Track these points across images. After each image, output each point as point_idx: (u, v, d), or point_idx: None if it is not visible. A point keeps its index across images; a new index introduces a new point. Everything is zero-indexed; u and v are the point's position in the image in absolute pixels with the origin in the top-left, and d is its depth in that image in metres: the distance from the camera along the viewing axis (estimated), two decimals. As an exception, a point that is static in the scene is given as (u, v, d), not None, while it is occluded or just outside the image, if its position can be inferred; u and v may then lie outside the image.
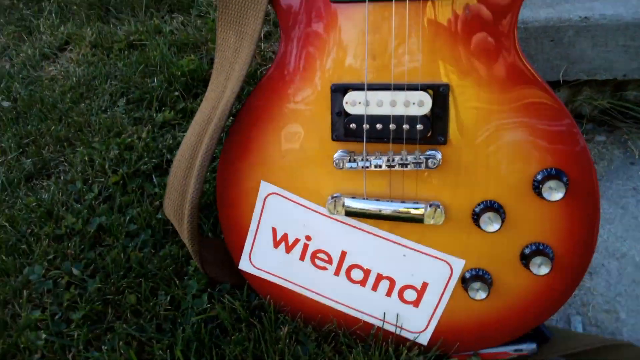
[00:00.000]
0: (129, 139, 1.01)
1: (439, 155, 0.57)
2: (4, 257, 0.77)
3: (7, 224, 0.84)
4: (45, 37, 1.43)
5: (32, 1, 1.66)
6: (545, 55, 0.94)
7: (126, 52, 1.29)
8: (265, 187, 0.66)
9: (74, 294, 0.72)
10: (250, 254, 0.69)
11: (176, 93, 1.12)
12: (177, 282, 0.71)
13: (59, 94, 1.17)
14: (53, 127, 1.06)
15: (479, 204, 0.58)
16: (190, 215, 0.64)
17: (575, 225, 0.57)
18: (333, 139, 0.60)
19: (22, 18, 1.59)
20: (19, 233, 0.83)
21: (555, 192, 0.54)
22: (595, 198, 0.56)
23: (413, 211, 0.59)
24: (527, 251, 0.58)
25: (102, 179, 0.92)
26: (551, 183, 0.54)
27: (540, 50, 0.93)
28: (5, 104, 1.17)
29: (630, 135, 1.05)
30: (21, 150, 1.04)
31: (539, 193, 0.55)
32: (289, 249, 0.67)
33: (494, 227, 0.57)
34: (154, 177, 0.93)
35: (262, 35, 1.27)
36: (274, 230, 0.67)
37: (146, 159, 0.94)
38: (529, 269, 0.58)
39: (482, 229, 0.57)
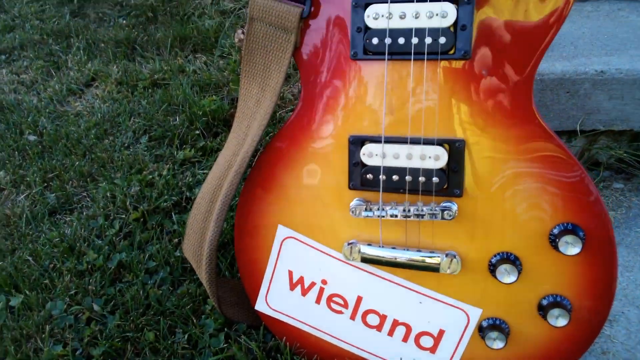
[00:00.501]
0: (150, 176, 1.04)
1: (455, 207, 0.58)
2: (27, 292, 0.79)
3: (30, 258, 0.86)
4: (73, 73, 1.49)
5: (61, 37, 1.73)
6: (562, 106, 0.95)
7: (150, 90, 1.34)
8: (282, 231, 0.67)
9: (95, 329, 0.73)
10: (266, 295, 0.70)
11: (197, 132, 1.15)
12: (195, 320, 0.72)
13: (84, 129, 1.21)
14: (77, 163, 1.10)
15: (495, 255, 0.59)
16: (209, 257, 0.65)
17: (593, 278, 0.57)
18: (350, 188, 0.61)
19: (50, 53, 1.65)
20: (42, 267, 0.85)
21: (572, 247, 0.55)
22: (612, 250, 0.56)
23: (429, 260, 0.60)
24: (544, 302, 0.58)
25: (123, 215, 0.95)
26: (568, 238, 0.55)
27: (556, 102, 0.95)
28: (32, 137, 1.22)
29: (647, 182, 1.05)
30: (45, 184, 1.07)
31: (555, 247, 0.56)
32: (304, 292, 0.68)
33: (511, 278, 0.58)
34: (173, 214, 0.95)
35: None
36: (290, 273, 0.68)
37: (166, 196, 0.97)
38: (546, 320, 0.58)
39: (498, 280, 0.58)
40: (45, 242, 0.90)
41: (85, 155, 1.14)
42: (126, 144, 1.15)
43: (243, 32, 1.68)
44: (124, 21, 1.73)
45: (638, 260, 0.89)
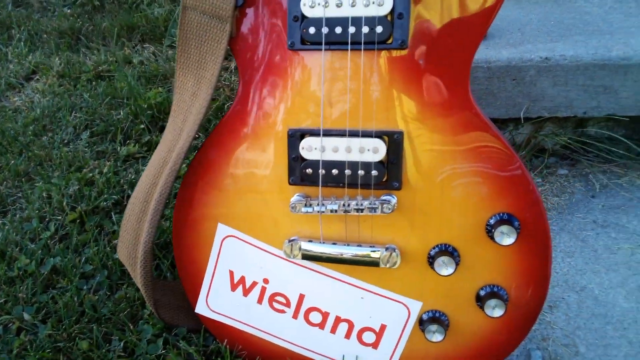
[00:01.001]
0: (90, 174, 0.99)
1: (393, 200, 0.57)
2: (-49, 301, 0.74)
3: (-44, 265, 0.81)
4: (12, 66, 1.41)
5: (2, 28, 1.64)
6: (508, 93, 0.95)
7: (94, 83, 1.28)
8: (222, 230, 0.65)
9: (25, 340, 0.69)
10: (207, 297, 0.68)
11: (142, 126, 1.11)
12: (132, 326, 0.69)
13: (21, 125, 1.15)
14: (12, 161, 1.04)
15: (434, 247, 0.58)
16: (143, 260, 0.62)
17: (528, 267, 0.57)
18: (290, 183, 0.59)
19: (-11, 46, 1.56)
20: (-32, 274, 0.80)
21: (507, 237, 0.55)
22: (547, 240, 0.56)
23: (369, 254, 0.58)
24: (482, 293, 0.58)
25: (60, 217, 0.90)
26: (503, 228, 0.54)
27: (503, 89, 0.95)
28: (-35, 135, 1.15)
29: (592, 169, 1.07)
30: (-22, 185, 1.01)
31: (491, 237, 0.55)
32: (246, 292, 0.66)
33: (448, 270, 0.57)
34: (113, 214, 0.91)
35: (232, 69, 1.27)
36: (231, 273, 0.66)
37: (106, 195, 0.92)
38: (483, 310, 0.58)
39: (437, 272, 0.57)
40: (-26, 247, 0.84)
41: (21, 153, 1.08)
42: (66, 141, 1.10)
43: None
44: (69, 10, 1.65)
45: (579, 246, 0.91)
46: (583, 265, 0.88)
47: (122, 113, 1.14)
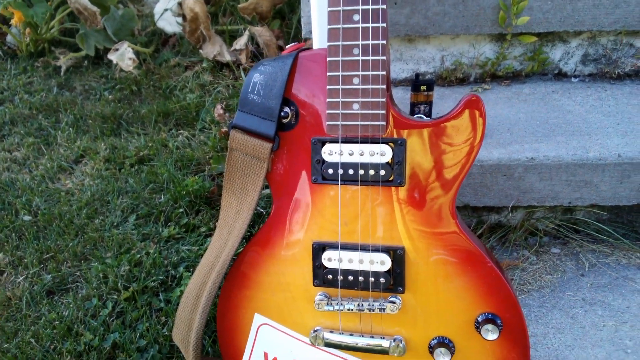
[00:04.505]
0: (138, 255, 1.14)
1: (398, 301, 0.71)
2: (29, 375, 0.89)
3: (33, 340, 0.96)
4: (62, 150, 1.60)
5: (49, 111, 1.85)
6: (500, 186, 1.10)
7: (136, 167, 1.45)
8: (258, 319, 0.79)
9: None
10: (245, 375, 0.81)
11: (181, 210, 1.27)
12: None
13: (75, 209, 1.32)
14: (70, 243, 1.20)
15: (433, 339, 0.72)
16: (195, 344, 0.77)
17: (511, 357, 0.70)
18: (314, 285, 0.74)
19: (40, 128, 1.76)
20: (43, 349, 0.94)
21: (491, 333, 0.68)
22: (524, 336, 0.69)
23: (380, 344, 0.72)
24: (472, 379, 0.71)
25: (115, 295, 1.05)
26: (488, 326, 0.68)
27: (495, 183, 1.10)
28: (27, 218, 1.32)
29: (581, 249, 1.19)
30: (42, 265, 1.17)
31: (479, 332, 0.69)
32: (278, 372, 0.79)
33: (445, 359, 0.70)
34: (160, 293, 1.06)
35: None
36: (266, 354, 0.80)
37: (154, 277, 1.07)
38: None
39: (435, 361, 0.71)
40: (45, 324, 0.99)
41: (77, 235, 1.24)
42: (115, 223, 1.26)
43: (222, 108, 1.83)
44: (110, 95, 1.86)
45: (569, 322, 1.03)
46: (572, 341, 0.99)
47: (163, 197, 1.31)
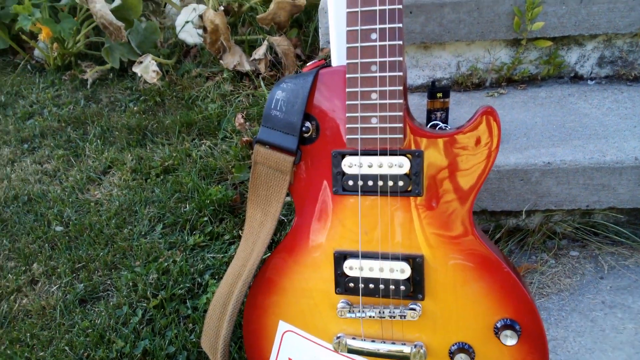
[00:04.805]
0: (165, 264, 1.19)
1: (418, 308, 0.73)
2: (66, 380, 0.93)
3: (67, 348, 1.00)
4: (91, 162, 1.66)
5: (77, 124, 1.91)
6: (517, 191, 1.11)
7: (162, 177, 1.50)
8: (282, 326, 0.82)
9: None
10: (271, 379, 0.84)
11: (205, 218, 1.31)
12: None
13: (105, 219, 1.37)
14: (101, 252, 1.25)
15: (454, 344, 0.74)
16: (223, 350, 0.80)
17: (531, 361, 0.72)
18: (336, 293, 0.77)
19: (69, 140, 1.83)
20: (77, 356, 0.99)
21: (510, 339, 0.70)
22: (543, 341, 0.71)
23: (402, 350, 0.74)
24: (494, 382, 0.73)
25: (145, 303, 1.09)
26: (507, 332, 0.70)
27: (512, 188, 1.11)
28: (59, 228, 1.37)
29: (600, 251, 1.20)
30: (74, 274, 1.22)
31: (498, 338, 0.71)
32: (303, 376, 0.82)
33: (466, 364, 0.72)
34: (187, 300, 1.10)
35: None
36: (290, 360, 0.83)
37: (181, 285, 1.11)
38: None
39: (456, 366, 0.73)
40: (79, 332, 1.04)
41: (107, 244, 1.29)
42: (143, 233, 1.31)
43: (243, 117, 1.87)
44: (135, 107, 1.91)
45: (589, 326, 1.03)
46: (592, 345, 1.00)
47: (188, 207, 1.35)
